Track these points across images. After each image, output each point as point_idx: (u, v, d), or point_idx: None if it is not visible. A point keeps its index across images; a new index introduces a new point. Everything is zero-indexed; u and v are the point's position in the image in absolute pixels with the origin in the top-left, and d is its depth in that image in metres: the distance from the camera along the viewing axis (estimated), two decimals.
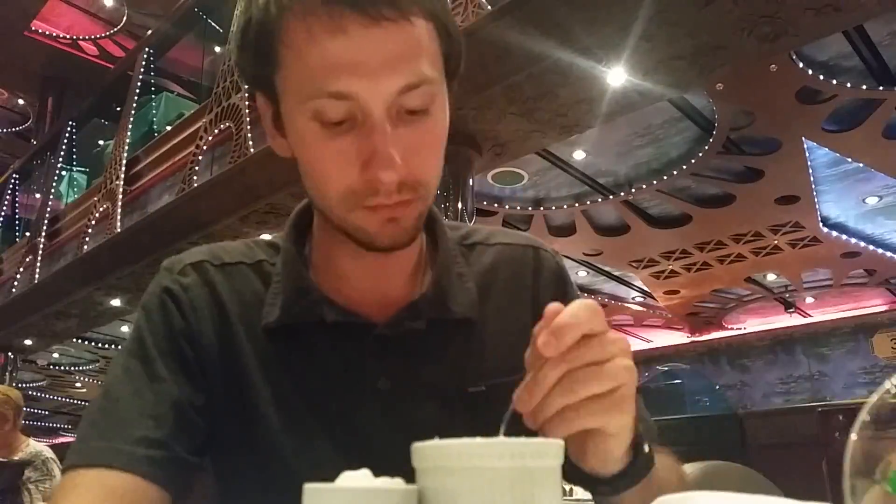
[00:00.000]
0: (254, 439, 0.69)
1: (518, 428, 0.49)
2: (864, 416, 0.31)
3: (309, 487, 0.39)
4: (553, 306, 0.51)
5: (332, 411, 0.69)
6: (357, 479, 0.40)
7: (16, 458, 3.45)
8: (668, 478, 0.67)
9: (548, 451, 0.40)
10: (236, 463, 0.71)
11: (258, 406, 0.69)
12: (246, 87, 0.59)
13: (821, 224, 7.61)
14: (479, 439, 0.39)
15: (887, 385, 0.31)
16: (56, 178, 10.21)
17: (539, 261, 0.80)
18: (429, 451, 0.40)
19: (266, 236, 0.80)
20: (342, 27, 0.57)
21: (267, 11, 0.60)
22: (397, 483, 0.41)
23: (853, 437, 0.30)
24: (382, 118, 0.59)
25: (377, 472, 0.41)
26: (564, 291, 0.80)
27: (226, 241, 0.79)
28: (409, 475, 0.42)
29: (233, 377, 0.70)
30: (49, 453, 3.61)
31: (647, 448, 0.60)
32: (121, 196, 7.80)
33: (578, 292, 0.83)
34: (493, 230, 0.83)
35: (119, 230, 7.49)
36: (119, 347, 11.93)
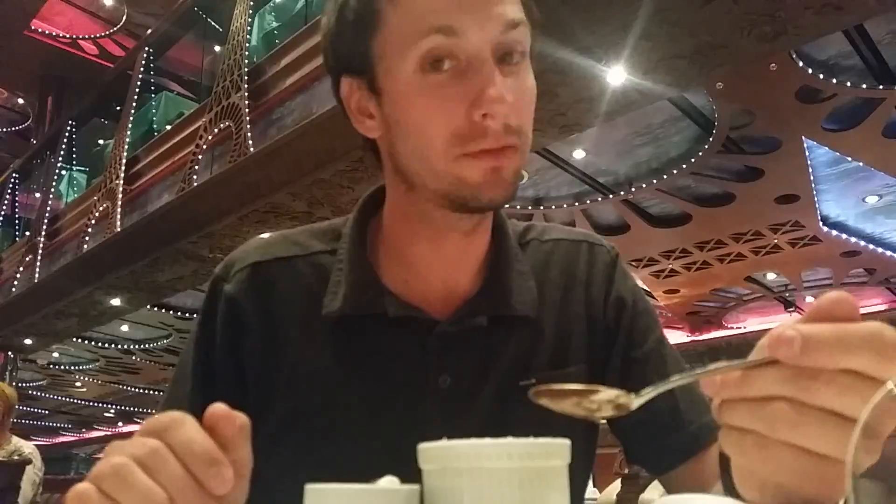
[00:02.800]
0: (303, 443, 0.68)
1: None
2: (866, 416, 0.31)
3: (310, 488, 0.39)
4: (836, 298, 0.38)
5: (392, 408, 0.68)
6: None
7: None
8: None
9: (555, 452, 0.39)
10: (278, 464, 0.68)
11: (310, 409, 0.68)
12: (334, 72, 0.58)
13: (821, 223, 7.61)
14: (485, 440, 0.39)
15: (889, 385, 0.31)
16: (56, 177, 10.21)
17: (593, 255, 0.79)
18: (434, 453, 0.40)
19: (334, 220, 0.79)
20: None
21: None
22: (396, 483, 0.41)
23: (855, 436, 0.30)
24: (489, 57, 0.60)
25: None
26: (612, 285, 0.78)
27: (284, 231, 0.78)
28: None
29: (280, 379, 0.70)
30: (28, 449, 3.57)
31: None
32: (121, 195, 7.80)
33: (638, 289, 0.81)
34: (548, 226, 0.82)
35: (119, 229, 7.49)
36: (119, 347, 11.94)
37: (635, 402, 0.42)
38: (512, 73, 0.62)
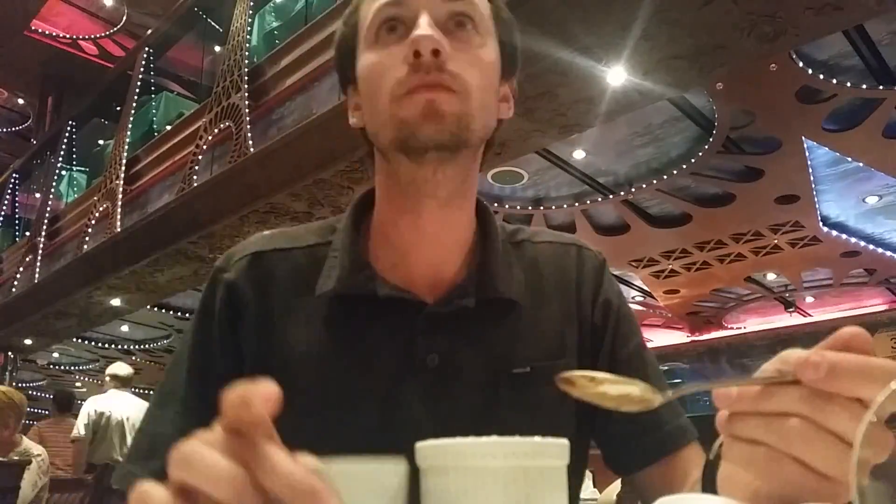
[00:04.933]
0: (291, 421, 0.69)
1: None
2: (870, 416, 0.31)
3: None
4: (853, 331, 0.41)
5: (377, 386, 0.71)
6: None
7: (4, 458, 3.42)
8: None
9: (546, 451, 0.39)
10: None
11: (300, 387, 0.70)
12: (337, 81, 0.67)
13: (821, 223, 7.61)
14: (480, 438, 0.38)
15: (893, 385, 0.31)
16: (56, 177, 10.21)
17: (582, 259, 0.84)
18: (425, 451, 0.40)
19: (331, 218, 0.84)
20: None
21: None
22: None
23: (859, 437, 0.30)
24: (426, 16, 0.68)
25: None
26: (601, 289, 0.83)
27: (283, 228, 0.83)
28: None
29: (275, 359, 0.73)
30: (35, 450, 3.59)
31: None
32: (121, 196, 7.80)
33: (622, 295, 0.86)
34: (538, 230, 0.87)
35: (119, 230, 7.49)
36: (119, 347, 11.92)
37: (657, 400, 0.44)
38: (461, 40, 0.69)
